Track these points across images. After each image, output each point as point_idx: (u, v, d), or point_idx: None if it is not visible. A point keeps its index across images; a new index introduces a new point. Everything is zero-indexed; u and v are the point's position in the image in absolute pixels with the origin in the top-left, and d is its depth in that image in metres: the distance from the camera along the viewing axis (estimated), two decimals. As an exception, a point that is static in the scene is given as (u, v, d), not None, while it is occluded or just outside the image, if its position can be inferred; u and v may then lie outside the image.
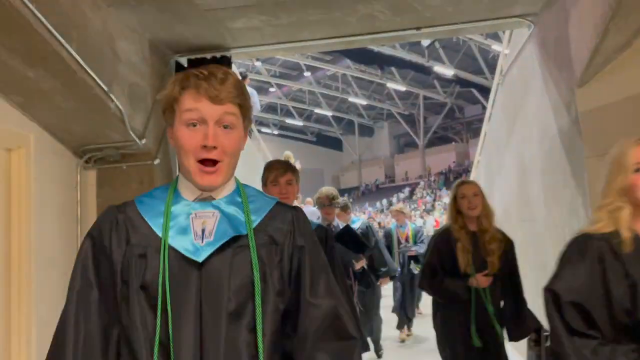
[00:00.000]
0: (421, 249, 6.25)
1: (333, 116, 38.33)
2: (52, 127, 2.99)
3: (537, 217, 3.95)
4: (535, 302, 4.07)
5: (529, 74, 3.83)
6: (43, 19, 2.31)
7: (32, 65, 2.50)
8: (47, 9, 2.34)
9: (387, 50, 22.48)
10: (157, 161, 3.33)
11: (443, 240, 2.89)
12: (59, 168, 3.10)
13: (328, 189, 4.70)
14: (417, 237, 6.65)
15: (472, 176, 8.24)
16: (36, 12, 2.27)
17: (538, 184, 3.86)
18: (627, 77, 2.62)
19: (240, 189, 1.27)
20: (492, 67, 18.64)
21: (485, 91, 21.87)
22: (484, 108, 13.44)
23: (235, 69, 6.25)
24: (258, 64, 26.65)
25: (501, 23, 3.60)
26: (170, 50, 3.54)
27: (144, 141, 3.19)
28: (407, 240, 6.57)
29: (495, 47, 19.11)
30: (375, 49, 20.85)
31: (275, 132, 38.29)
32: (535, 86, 3.66)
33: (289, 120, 37.44)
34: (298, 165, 10.00)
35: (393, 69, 27.85)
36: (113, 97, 2.85)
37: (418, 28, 3.47)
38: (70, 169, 3.19)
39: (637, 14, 2.30)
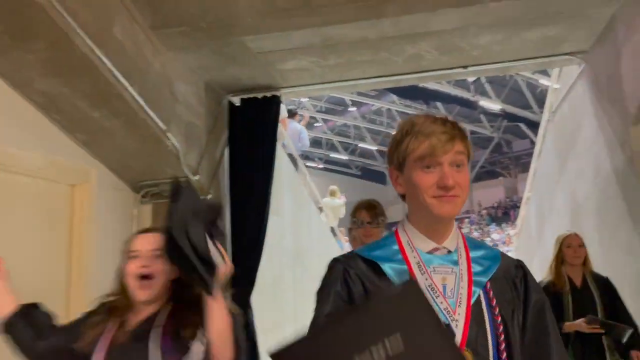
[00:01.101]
0: None
1: (378, 150, 38.36)
2: (113, 164, 3.15)
3: (592, 257, 3.81)
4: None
5: (580, 110, 3.77)
6: (108, 63, 2.48)
7: (96, 106, 2.67)
8: (113, 54, 2.52)
9: (432, 85, 22.49)
10: (209, 197, 3.44)
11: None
12: (119, 202, 3.25)
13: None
14: None
15: (522, 213, 8.03)
16: (102, 57, 2.44)
17: (592, 224, 3.74)
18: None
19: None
20: (540, 102, 18.30)
21: (533, 125, 21.42)
22: (532, 143, 13.16)
23: (283, 106, 6.42)
24: (305, 99, 27.17)
25: (550, 61, 3.58)
26: (223, 91, 3.70)
27: (197, 177, 3.31)
28: None
29: (543, 81, 18.78)
30: (421, 84, 20.91)
31: (321, 166, 38.57)
32: (588, 123, 3.60)
33: (333, 155, 37.71)
34: (343, 199, 10.02)
35: (438, 103, 27.76)
36: (170, 136, 2.99)
37: (465, 67, 3.50)
38: (128, 203, 3.34)
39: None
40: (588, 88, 3.49)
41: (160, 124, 2.89)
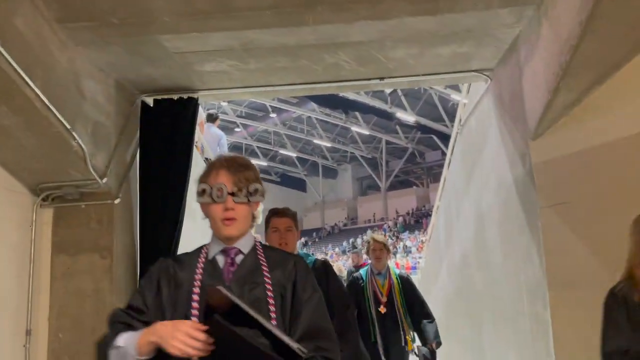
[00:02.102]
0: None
1: (297, 157, 38.59)
2: (10, 164, 2.92)
3: (493, 264, 4.04)
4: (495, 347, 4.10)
5: (486, 125, 4.00)
6: (8, 57, 2.30)
7: (-7, 101, 2.46)
8: (13, 47, 2.33)
9: (351, 95, 23.03)
10: (117, 200, 3.27)
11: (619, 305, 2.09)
12: (15, 205, 3.01)
13: None
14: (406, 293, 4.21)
15: (432, 221, 8.39)
16: (1, 49, 2.25)
17: (495, 232, 3.97)
18: (578, 132, 2.77)
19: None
20: (451, 115, 19.31)
21: (445, 138, 22.56)
22: (444, 154, 13.83)
23: (201, 109, 6.27)
24: (224, 104, 26.78)
25: (459, 77, 3.78)
26: (136, 90, 3.55)
27: (105, 180, 3.14)
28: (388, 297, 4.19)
29: (455, 96, 19.86)
30: (340, 94, 21.33)
31: (239, 172, 38.11)
32: (492, 137, 3.82)
33: (253, 160, 37.38)
34: (260, 206, 9.94)
35: (357, 113, 28.46)
36: (75, 135, 2.81)
37: (381, 78, 3.60)
38: (26, 207, 3.10)
39: (585, 74, 2.46)
40: (493, 104, 3.72)
41: (65, 122, 2.71)
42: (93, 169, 3.01)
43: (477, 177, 4.51)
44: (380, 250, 4.25)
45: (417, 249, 26.40)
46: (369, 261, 4.47)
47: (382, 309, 4.14)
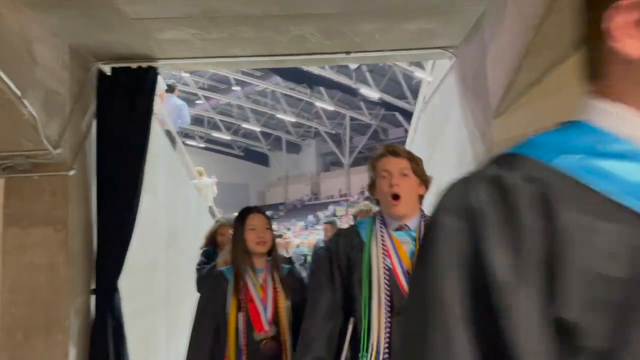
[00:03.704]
0: None
1: (261, 132, 38.23)
2: (-45, 132, 2.77)
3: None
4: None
5: (449, 103, 4.04)
6: (-49, 16, 2.15)
7: None
8: (-44, 5, 2.18)
9: (316, 70, 22.86)
10: (72, 172, 3.16)
11: None
12: (-39, 176, 2.87)
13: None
14: None
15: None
16: (-57, 7, 2.11)
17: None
18: (537, 111, 2.82)
19: None
20: (415, 93, 19.45)
21: (408, 115, 22.73)
22: (406, 131, 13.98)
23: (161, 79, 6.10)
24: (186, 75, 26.16)
25: (425, 53, 3.78)
26: (93, 58, 3.40)
27: (59, 150, 3.02)
28: None
29: (418, 74, 19.97)
30: (305, 68, 21.13)
31: (202, 145, 37.56)
32: (455, 115, 3.86)
33: (215, 134, 36.89)
34: (213, 179, 9.86)
35: (322, 88, 28.32)
36: (26, 103, 2.68)
37: (347, 52, 3.56)
38: (-26, 177, 2.96)
39: (547, 54, 2.50)
40: (456, 82, 3.75)
41: (15, 89, 2.57)
42: (46, 138, 2.88)
43: (439, 154, 4.57)
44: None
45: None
46: None
47: None
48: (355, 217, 4.48)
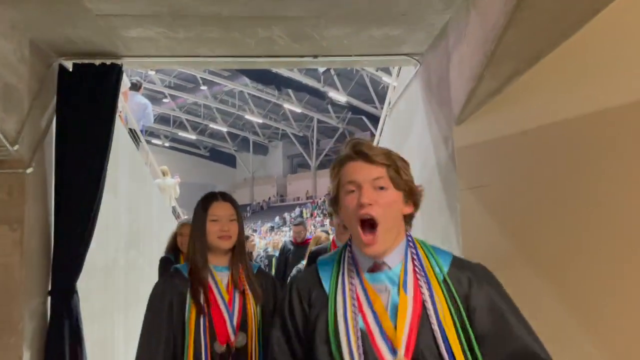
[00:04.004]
0: None
1: (228, 132, 37.90)
2: None
3: (416, 243, 4.19)
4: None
5: (413, 108, 4.10)
6: None
7: None
8: None
9: (284, 72, 22.83)
10: (30, 170, 3.07)
11: None
12: None
13: None
14: None
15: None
16: None
17: (417, 212, 4.11)
18: (498, 120, 2.90)
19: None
20: (381, 97, 19.66)
21: (374, 119, 22.96)
22: (373, 135, 14.09)
23: (125, 77, 5.98)
24: (152, 72, 25.72)
25: (391, 59, 3.83)
26: (54, 53, 3.31)
27: (16, 147, 2.93)
28: None
29: (385, 78, 20.20)
30: (274, 69, 21.08)
31: (167, 145, 36.97)
32: (419, 120, 3.93)
33: (181, 133, 36.36)
34: (177, 179, 9.71)
35: (290, 90, 28.30)
36: (-17, 98, 2.60)
37: (315, 56, 3.58)
38: None
39: (508, 64, 2.57)
40: (421, 88, 3.81)
41: (-30, 82, 2.49)
42: (2, 135, 2.79)
43: (403, 159, 4.63)
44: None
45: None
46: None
47: None
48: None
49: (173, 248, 3.99)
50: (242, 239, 2.15)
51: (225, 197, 2.17)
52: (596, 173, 2.06)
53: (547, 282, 2.34)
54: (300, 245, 6.18)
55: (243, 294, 2.07)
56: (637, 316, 1.87)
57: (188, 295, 2.01)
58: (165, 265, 3.85)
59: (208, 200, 2.13)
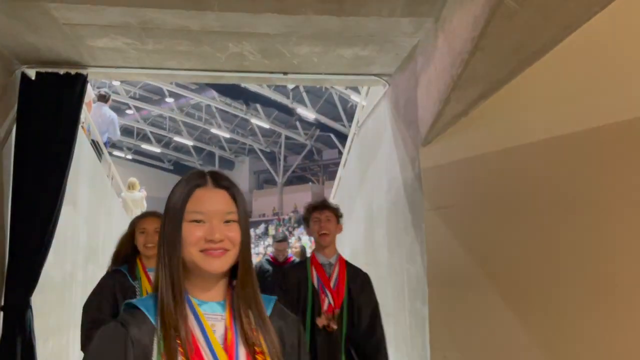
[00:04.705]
0: None
1: (193, 146, 37.46)
2: None
3: (380, 262, 4.22)
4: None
5: (381, 128, 4.16)
6: None
7: None
8: None
9: (253, 87, 22.79)
10: (-14, 180, 2.95)
11: None
12: None
13: None
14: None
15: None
16: None
17: (383, 231, 4.14)
18: (464, 141, 2.96)
19: None
20: (350, 116, 19.85)
21: (342, 137, 23.10)
22: (340, 153, 14.20)
23: (90, 88, 5.86)
24: (116, 83, 25.27)
25: (360, 79, 3.88)
26: (16, 60, 3.22)
27: (-28, 156, 2.82)
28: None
29: (354, 97, 20.42)
30: (242, 84, 21.03)
31: (129, 157, 36.24)
32: (386, 140, 3.98)
33: (145, 146, 35.73)
34: (144, 192, 9.49)
35: (258, 105, 28.24)
36: (-62, 104, 2.49)
37: (285, 73, 3.60)
38: None
39: (474, 87, 2.64)
40: (389, 108, 3.87)
41: None
42: (-42, 142, 2.69)
43: (370, 178, 4.67)
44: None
45: (311, 244, 26.84)
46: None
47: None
48: None
49: (125, 255, 2.68)
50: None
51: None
52: (559, 195, 2.13)
53: (509, 302, 2.38)
54: (281, 265, 5.42)
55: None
56: (596, 336, 1.92)
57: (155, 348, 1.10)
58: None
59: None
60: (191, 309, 1.13)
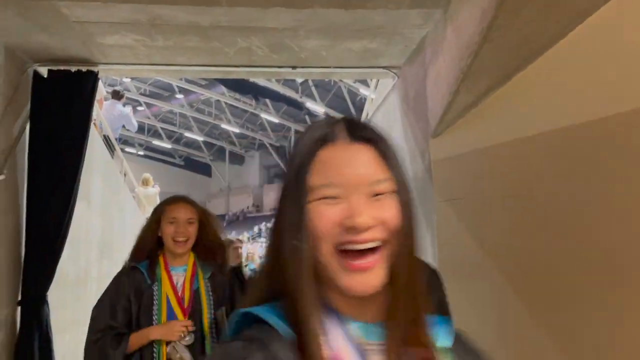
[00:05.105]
0: None
1: (204, 141, 37.63)
2: None
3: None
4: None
5: (391, 121, 4.15)
6: None
7: None
8: None
9: (262, 82, 22.83)
10: (1, 177, 3.00)
11: None
12: None
13: None
14: None
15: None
16: None
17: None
18: (474, 133, 2.96)
19: None
20: (359, 109, 19.80)
21: (352, 130, 22.97)
22: (351, 147, 14.13)
23: (101, 85, 5.91)
24: (127, 80, 25.43)
25: (368, 72, 3.88)
26: (29, 59, 3.26)
27: (-13, 154, 2.87)
28: None
29: (363, 90, 20.37)
30: (251, 79, 21.07)
31: (141, 153, 36.50)
32: (396, 133, 3.97)
33: (156, 142, 35.95)
34: (157, 188, 9.55)
35: (267, 100, 28.29)
36: (-46, 103, 2.54)
37: (294, 67, 3.60)
38: None
39: (484, 78, 2.63)
40: (398, 101, 3.87)
41: (-59, 87, 2.43)
42: (-27, 141, 2.74)
43: (380, 171, 4.66)
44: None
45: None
46: None
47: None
48: None
49: (150, 250, 2.22)
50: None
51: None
52: (569, 186, 2.12)
53: (518, 293, 2.38)
54: None
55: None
56: (606, 327, 1.92)
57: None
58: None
59: None
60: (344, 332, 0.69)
